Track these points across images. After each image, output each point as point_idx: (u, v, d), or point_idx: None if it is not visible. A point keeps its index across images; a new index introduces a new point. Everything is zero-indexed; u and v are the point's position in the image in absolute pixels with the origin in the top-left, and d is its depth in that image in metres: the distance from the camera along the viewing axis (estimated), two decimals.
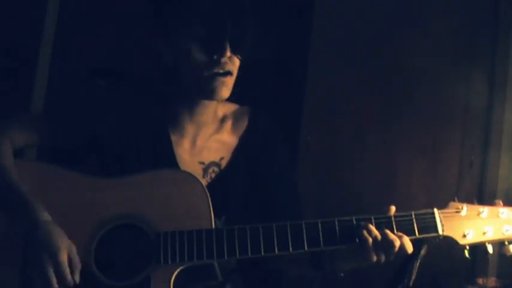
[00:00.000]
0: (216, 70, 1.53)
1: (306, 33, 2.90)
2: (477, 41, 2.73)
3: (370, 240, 1.42)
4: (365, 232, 1.42)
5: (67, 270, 1.42)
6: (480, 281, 2.08)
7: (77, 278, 1.43)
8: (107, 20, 3.23)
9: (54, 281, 1.41)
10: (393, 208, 1.48)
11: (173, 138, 1.65)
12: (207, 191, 1.50)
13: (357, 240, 1.44)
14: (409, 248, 1.42)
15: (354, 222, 1.46)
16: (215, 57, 1.52)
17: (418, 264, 1.51)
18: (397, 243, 1.42)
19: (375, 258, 1.43)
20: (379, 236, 1.42)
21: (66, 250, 1.42)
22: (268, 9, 1.76)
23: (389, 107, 2.80)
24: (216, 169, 1.65)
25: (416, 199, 2.70)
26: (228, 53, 1.52)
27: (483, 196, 2.62)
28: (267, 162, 1.68)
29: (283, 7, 2.96)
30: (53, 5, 3.24)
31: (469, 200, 1.51)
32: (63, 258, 1.41)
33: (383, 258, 1.43)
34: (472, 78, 2.70)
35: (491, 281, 2.08)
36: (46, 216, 1.46)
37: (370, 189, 2.75)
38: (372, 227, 1.43)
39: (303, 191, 1.73)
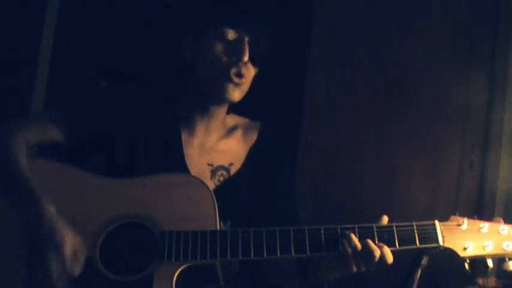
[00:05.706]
0: (232, 71, 1.61)
1: (306, 33, 2.91)
2: (477, 41, 2.73)
3: (350, 250, 1.42)
4: (345, 242, 1.43)
5: (70, 263, 1.43)
6: (480, 281, 2.08)
7: (78, 270, 1.44)
8: (107, 19, 3.23)
9: (55, 272, 1.41)
10: (385, 218, 1.48)
11: (184, 137, 1.69)
12: (214, 196, 1.53)
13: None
14: (389, 259, 1.42)
15: (339, 231, 1.46)
16: (234, 58, 1.61)
17: (419, 273, 1.51)
18: (377, 253, 1.41)
19: (354, 268, 1.43)
20: (359, 246, 1.42)
21: (70, 242, 1.43)
22: (268, 9, 1.78)
23: (389, 107, 2.80)
24: (224, 173, 1.69)
25: (417, 199, 2.70)
26: (246, 58, 1.61)
27: (483, 196, 2.62)
28: (273, 176, 1.74)
29: (283, 7, 2.96)
30: (53, 5, 3.24)
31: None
32: (68, 250, 1.42)
33: (363, 268, 1.43)
34: (472, 78, 2.70)
35: (491, 281, 2.08)
36: (51, 208, 1.46)
37: (370, 189, 2.75)
38: (353, 237, 1.43)
39: (303, 190, 1.74)
